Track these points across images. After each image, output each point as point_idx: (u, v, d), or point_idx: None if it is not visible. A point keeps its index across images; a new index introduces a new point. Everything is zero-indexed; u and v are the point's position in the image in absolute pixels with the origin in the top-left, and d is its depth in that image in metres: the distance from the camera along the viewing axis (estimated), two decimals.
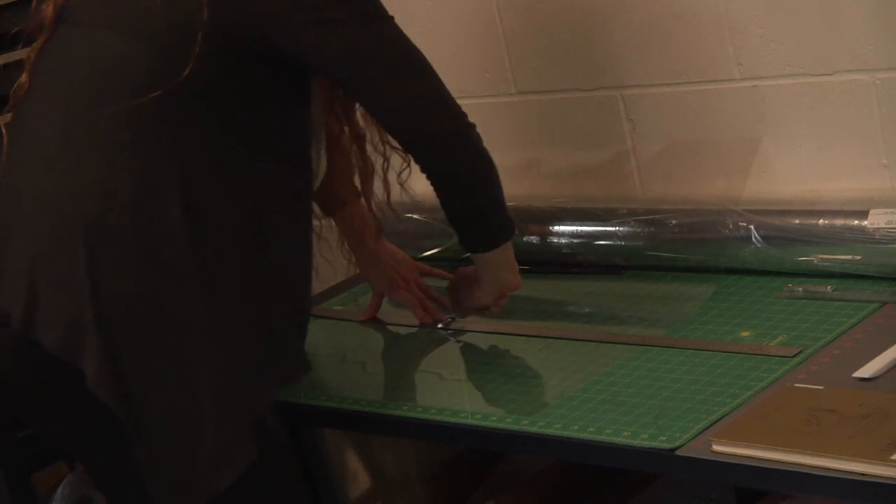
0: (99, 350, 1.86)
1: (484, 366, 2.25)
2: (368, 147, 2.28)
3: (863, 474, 1.66)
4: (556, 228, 2.45)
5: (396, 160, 2.28)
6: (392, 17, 2.04)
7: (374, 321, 2.44)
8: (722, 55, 2.35)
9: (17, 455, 2.26)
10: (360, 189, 2.31)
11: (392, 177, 2.30)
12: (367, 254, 2.39)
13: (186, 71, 1.89)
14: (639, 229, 2.36)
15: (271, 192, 1.99)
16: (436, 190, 2.11)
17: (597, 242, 2.44)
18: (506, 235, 2.17)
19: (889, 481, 1.64)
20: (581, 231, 2.44)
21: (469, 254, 2.20)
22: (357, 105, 2.23)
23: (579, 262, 2.46)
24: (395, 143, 2.25)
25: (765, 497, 2.10)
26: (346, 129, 2.26)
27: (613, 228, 2.40)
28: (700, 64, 2.39)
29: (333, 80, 2.10)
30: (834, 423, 1.76)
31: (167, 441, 1.88)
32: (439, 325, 2.37)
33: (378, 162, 2.28)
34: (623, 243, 2.39)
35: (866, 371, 1.89)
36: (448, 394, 2.19)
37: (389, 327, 2.45)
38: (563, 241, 2.46)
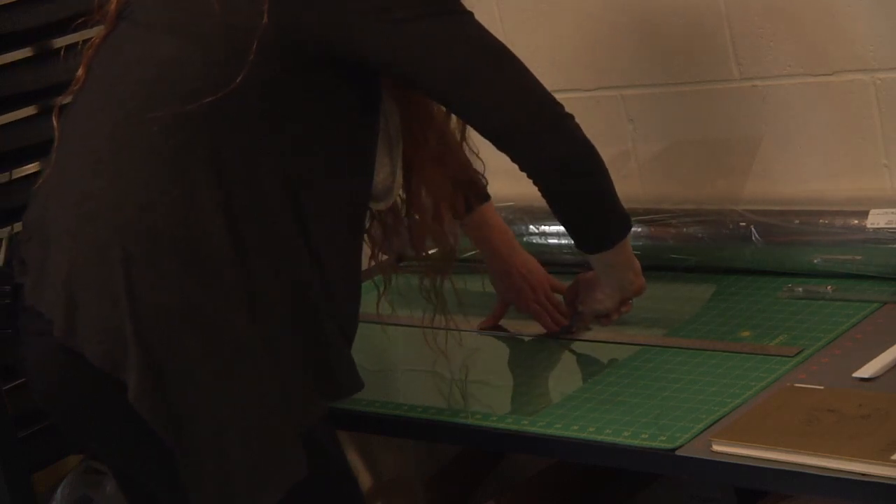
0: (140, 363, 1.80)
1: (484, 366, 2.25)
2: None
3: (863, 474, 1.66)
4: (556, 228, 2.45)
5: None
6: (467, 12, 1.94)
7: (374, 323, 2.43)
8: (722, 55, 2.35)
9: (17, 455, 2.26)
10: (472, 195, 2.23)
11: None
12: (499, 262, 2.31)
13: (240, 78, 1.84)
14: (639, 229, 2.36)
15: (325, 204, 1.92)
16: (539, 190, 2.01)
17: None
18: (620, 232, 2.07)
19: (889, 481, 1.64)
20: None
21: (585, 255, 2.11)
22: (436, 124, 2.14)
23: (579, 262, 2.46)
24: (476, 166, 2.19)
25: (765, 497, 2.11)
26: (426, 150, 2.13)
27: None
28: (700, 64, 2.39)
29: (410, 84, 2.00)
30: (834, 423, 1.76)
31: (210, 457, 1.82)
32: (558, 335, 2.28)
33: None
34: None
35: (866, 371, 1.89)
36: (448, 394, 2.19)
37: (389, 327, 2.44)
38: (564, 241, 2.46)
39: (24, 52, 2.34)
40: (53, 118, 1.99)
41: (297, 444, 1.85)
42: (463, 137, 2.16)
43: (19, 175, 2.35)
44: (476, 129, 2.01)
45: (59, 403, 1.93)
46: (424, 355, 2.31)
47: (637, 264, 2.13)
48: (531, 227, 2.48)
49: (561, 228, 2.36)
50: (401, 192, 2.14)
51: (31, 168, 2.33)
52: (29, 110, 2.35)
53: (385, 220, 2.19)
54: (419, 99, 2.08)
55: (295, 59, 1.88)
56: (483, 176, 2.26)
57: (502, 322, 2.35)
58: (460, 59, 1.93)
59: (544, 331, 2.28)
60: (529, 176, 2.00)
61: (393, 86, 2.02)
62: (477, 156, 2.20)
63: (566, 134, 1.98)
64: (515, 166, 1.99)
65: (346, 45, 1.89)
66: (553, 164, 1.98)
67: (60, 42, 2.36)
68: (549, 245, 2.47)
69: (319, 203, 1.92)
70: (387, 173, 2.05)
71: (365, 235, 2.17)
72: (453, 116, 2.13)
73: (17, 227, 2.02)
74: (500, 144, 1.97)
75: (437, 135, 2.14)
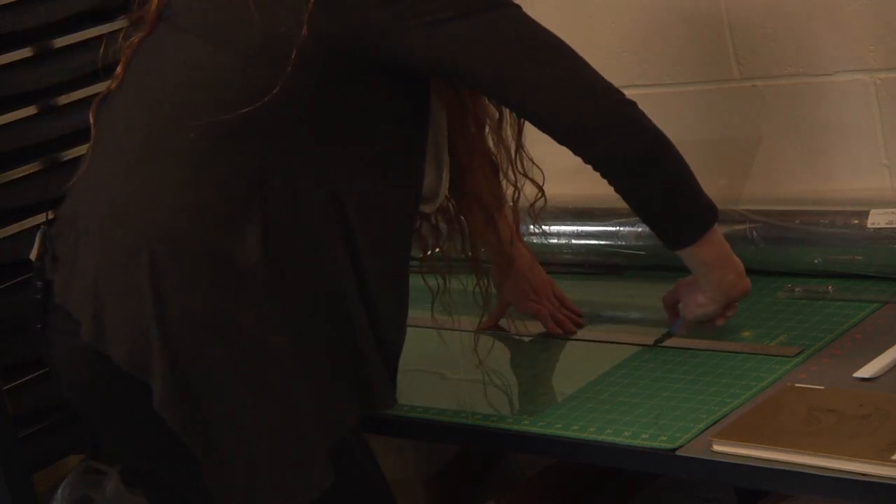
0: (165, 369, 1.79)
1: (484, 365, 2.25)
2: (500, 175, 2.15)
3: (863, 474, 1.66)
4: (556, 228, 2.45)
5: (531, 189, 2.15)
6: (513, 4, 1.88)
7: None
8: (722, 55, 2.35)
9: (17, 455, 2.26)
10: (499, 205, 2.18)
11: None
12: (505, 262, 2.26)
13: (277, 88, 1.81)
14: (639, 229, 2.36)
15: (371, 213, 1.88)
16: (611, 184, 1.93)
17: (597, 242, 2.44)
18: (704, 223, 1.96)
19: (889, 481, 1.64)
20: (581, 231, 2.44)
21: (675, 252, 2.00)
22: (486, 130, 2.10)
23: (579, 262, 2.46)
24: (529, 174, 2.13)
25: (765, 497, 2.11)
26: (477, 155, 2.11)
27: (613, 228, 2.40)
28: (700, 64, 2.39)
29: (465, 86, 1.96)
30: (834, 423, 1.76)
31: (236, 464, 1.81)
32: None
33: (509, 192, 2.16)
34: (623, 243, 2.39)
35: (866, 371, 1.89)
36: (448, 394, 2.19)
37: None
38: (563, 241, 2.46)
39: (24, 52, 2.34)
40: (90, 114, 1.97)
41: (325, 454, 1.83)
42: (519, 144, 2.11)
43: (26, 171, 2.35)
44: (537, 126, 1.94)
45: (87, 402, 1.93)
46: (425, 355, 2.32)
47: (739, 264, 2.02)
48: (531, 226, 2.48)
49: (561, 228, 2.37)
50: (448, 195, 2.11)
51: (34, 166, 2.34)
52: (29, 110, 2.35)
53: (435, 223, 2.16)
54: (468, 102, 2.05)
55: (336, 69, 1.85)
56: (540, 186, 2.17)
57: (502, 322, 2.35)
58: (511, 56, 1.87)
59: (545, 331, 2.28)
60: (597, 170, 1.92)
61: (441, 88, 1.98)
62: (533, 162, 2.13)
63: (632, 123, 1.91)
64: None
65: (391, 52, 1.85)
66: (622, 157, 1.90)
67: (60, 42, 2.36)
68: (549, 245, 2.47)
69: (365, 212, 1.88)
70: (433, 176, 2.02)
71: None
72: (506, 120, 2.08)
73: (51, 214, 2.01)
74: (564, 141, 1.90)
75: (481, 139, 2.10)
